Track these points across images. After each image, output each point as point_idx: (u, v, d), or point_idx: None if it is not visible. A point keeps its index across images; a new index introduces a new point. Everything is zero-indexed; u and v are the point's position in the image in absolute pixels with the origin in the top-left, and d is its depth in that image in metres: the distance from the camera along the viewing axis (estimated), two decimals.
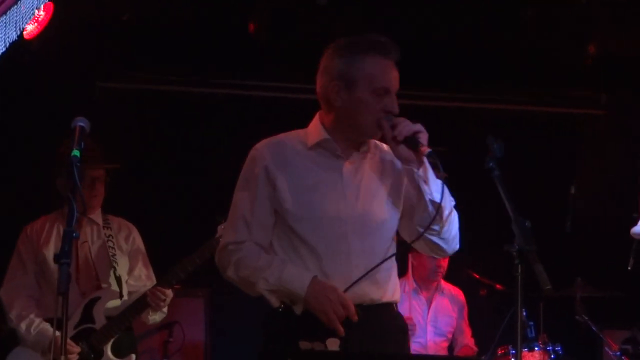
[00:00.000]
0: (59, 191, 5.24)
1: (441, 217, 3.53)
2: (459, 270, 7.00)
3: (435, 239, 3.59)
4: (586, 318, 6.48)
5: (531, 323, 6.31)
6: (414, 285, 6.80)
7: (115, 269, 5.32)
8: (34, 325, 5.16)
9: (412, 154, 3.48)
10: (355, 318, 3.44)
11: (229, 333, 7.47)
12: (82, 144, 3.62)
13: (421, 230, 3.55)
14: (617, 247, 5.88)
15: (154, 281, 5.47)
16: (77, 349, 5.11)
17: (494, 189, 3.40)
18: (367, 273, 3.49)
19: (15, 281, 5.29)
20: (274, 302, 3.54)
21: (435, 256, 4.29)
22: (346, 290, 3.46)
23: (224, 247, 3.62)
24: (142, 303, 5.24)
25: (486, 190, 3.60)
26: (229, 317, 7.46)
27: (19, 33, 3.08)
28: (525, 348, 6.11)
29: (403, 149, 3.49)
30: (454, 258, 4.65)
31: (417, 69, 3.66)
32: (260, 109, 7.68)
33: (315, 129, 3.64)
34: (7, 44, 2.96)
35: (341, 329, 3.41)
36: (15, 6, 3.04)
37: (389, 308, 3.63)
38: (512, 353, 6.09)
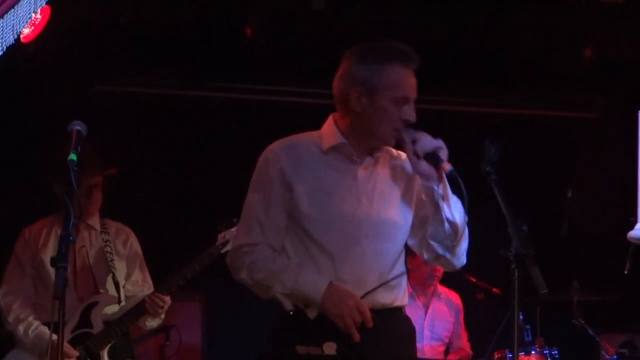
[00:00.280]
0: (56, 196, 5.23)
1: (456, 234, 3.57)
2: (455, 273, 6.99)
3: (447, 255, 3.63)
4: (583, 322, 6.48)
5: (528, 327, 6.31)
6: (410, 290, 6.79)
7: (113, 274, 5.32)
8: (31, 328, 5.16)
9: (432, 171, 3.50)
10: (371, 324, 3.46)
11: (225, 337, 7.47)
12: (79, 148, 3.62)
13: (434, 244, 3.60)
14: (614, 251, 5.87)
15: (151, 285, 5.46)
16: (76, 353, 5.11)
17: (490, 192, 3.40)
18: (385, 283, 3.54)
19: (13, 284, 5.29)
20: (288, 305, 3.54)
21: (442, 268, 4.32)
22: (363, 296, 3.48)
23: (237, 249, 3.62)
24: (140, 309, 5.24)
25: (483, 193, 3.61)
26: (226, 321, 7.46)
27: (16, 36, 3.08)
28: (522, 352, 6.10)
29: (423, 164, 3.51)
30: None
31: (418, 73, 3.66)
32: (257, 112, 7.68)
33: (330, 132, 3.65)
34: (4, 48, 2.95)
35: (357, 334, 3.43)
36: (13, 9, 3.03)
37: (399, 312, 3.67)
38: (509, 357, 6.08)
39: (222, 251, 5.27)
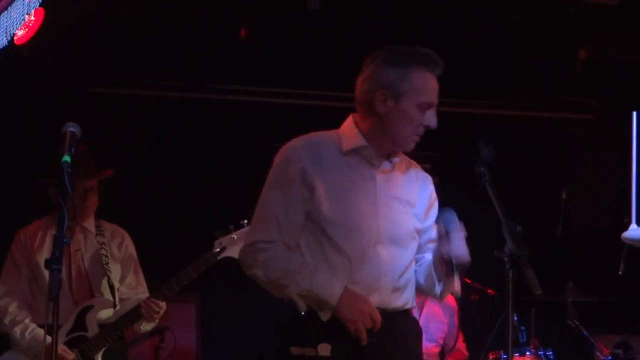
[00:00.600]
0: (52, 198, 5.23)
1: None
2: None
3: (425, 288, 3.76)
4: (577, 323, 6.49)
5: (522, 328, 6.32)
6: None
7: (108, 278, 5.31)
8: (28, 330, 5.15)
9: (445, 271, 3.62)
10: (377, 328, 3.48)
11: (220, 338, 7.47)
12: (73, 149, 3.62)
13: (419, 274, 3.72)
14: (609, 252, 5.87)
15: (145, 288, 5.46)
16: (72, 355, 5.10)
17: (485, 193, 3.41)
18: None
19: (9, 286, 5.28)
20: (302, 306, 3.53)
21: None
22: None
23: (252, 244, 3.60)
24: (136, 314, 5.23)
25: (477, 194, 3.61)
26: (220, 323, 7.46)
27: (9, 39, 3.08)
28: (516, 353, 6.11)
29: (442, 262, 3.60)
30: None
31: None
32: (253, 113, 7.68)
33: (351, 134, 3.64)
34: None
35: (365, 338, 3.45)
36: (6, 12, 3.03)
37: (408, 314, 3.69)
38: (504, 358, 6.09)
39: (219, 257, 5.27)
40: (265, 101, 7.75)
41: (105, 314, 5.29)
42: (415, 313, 6.70)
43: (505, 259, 3.25)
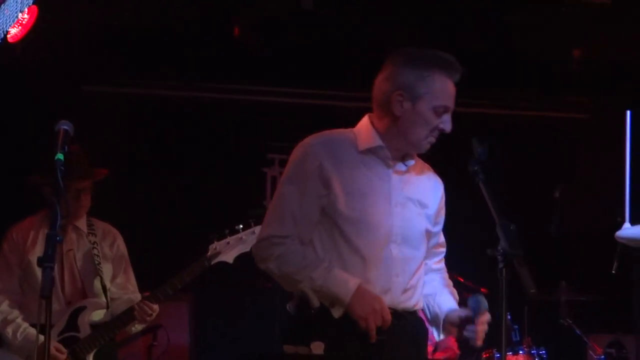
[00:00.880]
0: (45, 196, 5.21)
1: None
2: None
3: None
4: (570, 322, 6.49)
5: (516, 326, 6.32)
6: None
7: (101, 279, 5.31)
8: (20, 330, 5.13)
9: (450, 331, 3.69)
10: (386, 327, 3.50)
11: (213, 337, 7.46)
12: (66, 147, 3.61)
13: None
14: (602, 251, 5.88)
15: (135, 287, 5.45)
16: (64, 355, 5.09)
17: (479, 191, 3.41)
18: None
19: (1, 284, 5.26)
20: (315, 302, 3.54)
21: None
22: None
23: (267, 238, 3.61)
24: (129, 316, 5.23)
25: (471, 193, 3.62)
26: (214, 321, 7.45)
27: (2, 36, 3.07)
28: (509, 352, 6.11)
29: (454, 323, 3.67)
30: None
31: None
32: (249, 113, 7.68)
33: (367, 133, 3.66)
34: None
35: (374, 336, 3.47)
36: None
37: (415, 315, 3.71)
38: (497, 357, 6.09)
39: (213, 262, 5.26)
40: (263, 100, 7.75)
41: (98, 315, 5.29)
42: None
43: (499, 257, 3.25)
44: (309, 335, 3.50)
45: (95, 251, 5.33)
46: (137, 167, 7.26)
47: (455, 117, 3.42)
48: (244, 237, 5.27)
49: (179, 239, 7.14)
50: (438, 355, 6.79)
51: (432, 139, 3.59)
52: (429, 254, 3.78)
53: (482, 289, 6.90)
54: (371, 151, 3.63)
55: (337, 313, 3.52)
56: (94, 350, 5.20)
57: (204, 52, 7.16)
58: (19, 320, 5.16)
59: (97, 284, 5.31)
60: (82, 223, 5.40)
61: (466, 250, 3.94)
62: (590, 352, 6.58)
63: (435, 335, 3.78)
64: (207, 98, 7.70)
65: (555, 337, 6.70)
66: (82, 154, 5.22)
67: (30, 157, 5.44)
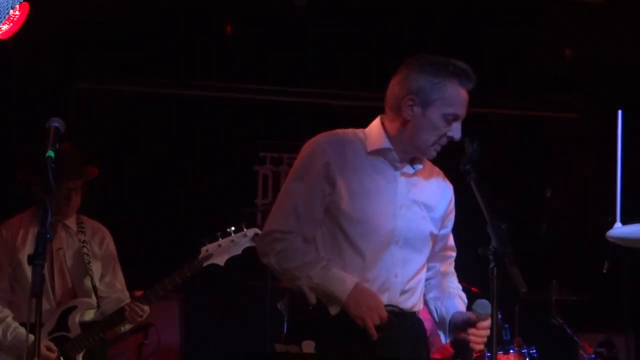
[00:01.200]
0: (35, 195, 5.18)
1: None
2: None
3: None
4: (561, 321, 6.50)
5: (506, 326, 6.32)
6: None
7: (91, 278, 5.29)
8: (10, 329, 5.10)
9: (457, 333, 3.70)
10: (383, 324, 3.51)
11: (203, 335, 7.45)
12: (57, 144, 3.60)
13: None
14: (593, 251, 5.89)
15: (123, 285, 5.43)
16: (55, 354, 5.07)
17: (470, 191, 3.41)
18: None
19: None
20: (312, 299, 3.56)
21: None
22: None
23: (270, 233, 3.64)
24: (120, 317, 5.21)
25: (462, 192, 3.62)
26: (204, 320, 7.45)
27: None
28: (500, 351, 6.11)
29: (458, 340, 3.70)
30: None
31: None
32: (238, 111, 7.67)
33: (377, 135, 3.67)
34: None
35: (375, 334, 3.48)
36: None
37: (415, 315, 3.73)
38: (488, 356, 6.09)
39: (204, 265, 5.25)
40: (254, 98, 7.74)
41: (88, 315, 5.27)
42: None
43: (490, 256, 3.25)
44: (301, 334, 3.51)
45: (85, 250, 5.32)
46: (127, 165, 7.25)
47: None
48: (235, 239, 5.26)
49: (170, 238, 7.13)
50: (432, 354, 6.80)
51: (439, 147, 3.60)
52: (437, 258, 3.80)
53: (473, 289, 6.91)
54: (379, 152, 3.65)
55: (333, 311, 3.53)
56: (84, 351, 5.19)
57: (196, 50, 7.16)
58: (9, 319, 5.12)
59: (87, 283, 5.29)
60: (71, 221, 5.38)
61: (457, 249, 3.95)
62: (581, 351, 6.59)
63: (443, 338, 3.78)
64: (199, 96, 7.69)
65: (546, 337, 6.70)
66: (74, 153, 5.19)
67: (20, 154, 5.43)
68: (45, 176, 3.48)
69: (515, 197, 7.45)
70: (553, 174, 7.85)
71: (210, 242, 5.27)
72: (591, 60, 7.44)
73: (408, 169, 3.68)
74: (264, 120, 7.59)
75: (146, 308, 5.23)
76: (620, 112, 3.82)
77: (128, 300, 5.28)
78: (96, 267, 5.35)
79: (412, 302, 3.66)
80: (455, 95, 3.57)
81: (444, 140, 3.59)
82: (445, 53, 3.64)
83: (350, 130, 3.74)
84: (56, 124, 3.66)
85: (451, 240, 3.85)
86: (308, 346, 3.47)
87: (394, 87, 3.64)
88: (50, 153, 3.53)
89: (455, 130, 3.58)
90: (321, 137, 3.69)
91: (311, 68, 7.38)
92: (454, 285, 3.86)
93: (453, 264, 3.90)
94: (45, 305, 5.10)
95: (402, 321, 3.61)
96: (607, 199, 3.87)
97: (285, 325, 6.06)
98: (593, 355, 6.44)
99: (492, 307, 3.30)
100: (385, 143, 3.64)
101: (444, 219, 3.76)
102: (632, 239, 3.87)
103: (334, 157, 3.60)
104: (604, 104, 7.28)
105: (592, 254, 6.09)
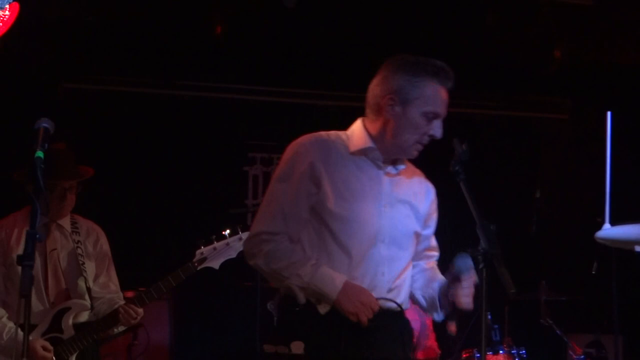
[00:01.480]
0: (29, 194, 5.16)
1: None
2: None
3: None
4: (550, 322, 6.51)
5: (496, 326, 6.33)
6: None
7: (85, 280, 5.28)
8: (5, 330, 5.09)
9: (448, 304, 3.68)
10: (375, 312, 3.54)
11: (193, 336, 7.45)
12: (46, 145, 3.60)
13: None
14: (582, 251, 5.91)
15: (117, 285, 5.42)
16: (51, 353, 5.05)
17: (459, 192, 3.42)
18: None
19: None
20: (301, 298, 3.58)
21: None
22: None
23: (257, 235, 3.66)
24: (113, 319, 5.20)
25: (451, 193, 3.62)
26: (194, 320, 7.44)
27: None
28: (489, 351, 6.12)
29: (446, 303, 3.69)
30: None
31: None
32: (228, 111, 7.67)
33: (359, 135, 3.70)
34: None
35: (366, 323, 3.51)
36: None
37: (402, 314, 3.74)
38: (477, 356, 6.10)
39: (199, 268, 5.25)
40: (244, 99, 7.74)
41: (82, 316, 5.26)
42: None
43: (479, 257, 3.26)
44: (290, 335, 3.52)
45: (79, 251, 5.30)
46: (116, 165, 7.23)
47: None
48: (230, 242, 5.26)
49: (161, 238, 7.13)
50: (419, 355, 6.81)
51: (420, 146, 3.62)
52: (421, 257, 3.82)
53: None
54: (362, 152, 3.67)
55: (323, 310, 3.55)
56: (77, 352, 5.17)
57: (186, 50, 7.15)
58: (5, 319, 5.11)
59: (81, 284, 5.28)
60: (65, 222, 5.36)
61: (446, 250, 3.95)
62: (570, 351, 6.60)
63: (436, 316, 3.79)
64: (188, 96, 7.69)
65: (535, 337, 6.72)
66: (69, 153, 5.19)
67: (11, 154, 5.42)
68: (34, 177, 3.47)
69: (504, 198, 7.46)
70: (542, 175, 7.87)
71: (206, 245, 5.27)
72: (580, 62, 7.46)
73: (391, 169, 3.70)
74: (254, 121, 7.59)
75: (140, 311, 5.23)
76: (609, 113, 3.84)
77: (122, 301, 5.27)
78: (90, 268, 5.34)
79: (399, 300, 3.67)
80: (435, 93, 3.60)
81: (425, 139, 3.61)
82: (434, 55, 3.65)
83: (332, 132, 3.75)
84: (45, 125, 3.66)
85: (434, 241, 3.87)
86: (297, 347, 3.48)
87: (374, 88, 3.67)
88: (39, 154, 3.53)
89: (436, 129, 3.60)
90: (304, 139, 3.71)
91: (301, 69, 7.38)
92: (440, 276, 3.87)
93: (436, 262, 3.90)
94: (39, 306, 5.10)
95: (388, 320, 3.62)
96: (596, 200, 3.88)
97: (274, 325, 6.06)
98: (582, 356, 6.46)
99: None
100: (368, 142, 3.66)
101: (427, 218, 3.78)
102: (620, 240, 3.89)
103: (318, 158, 3.62)
104: (593, 106, 7.30)
105: (581, 254, 6.11)
